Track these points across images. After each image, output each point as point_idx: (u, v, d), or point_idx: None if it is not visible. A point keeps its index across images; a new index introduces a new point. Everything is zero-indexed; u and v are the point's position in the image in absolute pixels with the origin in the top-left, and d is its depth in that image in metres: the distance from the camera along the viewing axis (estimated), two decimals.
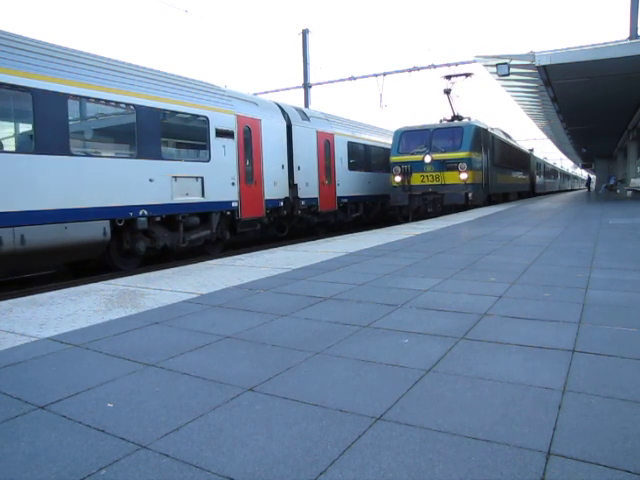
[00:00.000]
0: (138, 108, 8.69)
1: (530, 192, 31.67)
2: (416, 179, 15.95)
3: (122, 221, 8.36)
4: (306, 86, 23.09)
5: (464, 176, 15.29)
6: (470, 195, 15.38)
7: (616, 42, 12.94)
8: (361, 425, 1.71)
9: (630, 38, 13.95)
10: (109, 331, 2.90)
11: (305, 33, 22.40)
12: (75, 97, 7.74)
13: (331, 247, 6.77)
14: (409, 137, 16.75)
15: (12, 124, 7.62)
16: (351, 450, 1.55)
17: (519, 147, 27.57)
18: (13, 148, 7.33)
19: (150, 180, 8.86)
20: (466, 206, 15.76)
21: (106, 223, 8.02)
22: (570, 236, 7.47)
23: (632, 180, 29.67)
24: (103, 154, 8.29)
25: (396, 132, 16.93)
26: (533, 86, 17.29)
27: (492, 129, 19.19)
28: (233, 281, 4.40)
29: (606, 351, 2.37)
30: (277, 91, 24.24)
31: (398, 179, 16.12)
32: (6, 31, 7.20)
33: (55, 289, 4.49)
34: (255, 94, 16.35)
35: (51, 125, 7.36)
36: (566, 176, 74.34)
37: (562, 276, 4.28)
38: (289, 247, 7.12)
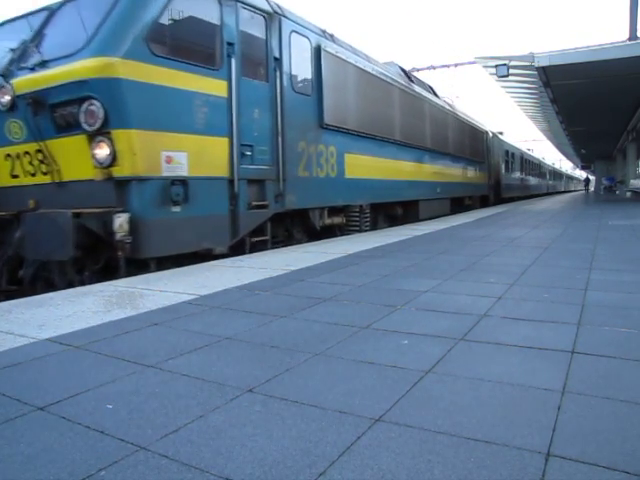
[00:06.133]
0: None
1: (491, 197, 20.64)
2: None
3: None
4: None
5: (102, 154, 4.67)
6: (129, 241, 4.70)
7: (617, 43, 12.95)
8: (360, 426, 1.71)
9: (630, 39, 13.98)
10: (108, 332, 2.90)
11: None
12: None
13: (330, 248, 6.78)
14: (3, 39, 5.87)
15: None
16: (350, 451, 1.55)
17: (458, 115, 15.98)
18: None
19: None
20: (144, 262, 5.08)
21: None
22: (569, 237, 7.48)
23: (631, 181, 29.71)
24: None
25: None
26: (532, 87, 17.32)
27: (345, 45, 8.77)
28: (233, 282, 4.40)
29: (605, 352, 2.37)
30: None
31: None
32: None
33: (54, 290, 4.48)
34: None
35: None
36: (558, 175, 61.26)
37: (561, 277, 4.29)
38: (289, 248, 7.12)
